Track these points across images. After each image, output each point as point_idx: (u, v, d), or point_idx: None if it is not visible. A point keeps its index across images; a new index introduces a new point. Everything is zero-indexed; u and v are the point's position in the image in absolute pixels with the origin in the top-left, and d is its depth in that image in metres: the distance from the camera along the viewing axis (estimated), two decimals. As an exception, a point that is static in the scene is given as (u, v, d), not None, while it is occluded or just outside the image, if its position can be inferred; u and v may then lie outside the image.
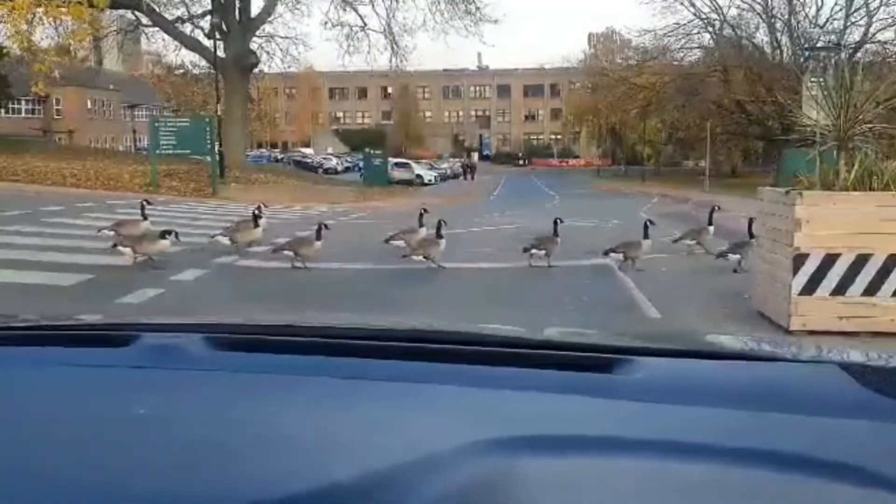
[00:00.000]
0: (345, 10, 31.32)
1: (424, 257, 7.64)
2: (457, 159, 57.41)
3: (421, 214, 8.81)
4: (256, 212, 8.73)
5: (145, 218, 8.82)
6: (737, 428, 0.69)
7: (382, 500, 0.59)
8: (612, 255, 7.78)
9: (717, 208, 9.52)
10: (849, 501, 0.60)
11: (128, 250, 7.44)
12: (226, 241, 8.33)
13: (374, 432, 0.70)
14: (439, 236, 7.79)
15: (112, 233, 8.23)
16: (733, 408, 0.72)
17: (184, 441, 0.69)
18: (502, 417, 0.71)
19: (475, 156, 64.43)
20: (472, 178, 46.71)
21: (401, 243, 8.25)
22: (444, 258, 7.79)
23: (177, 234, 7.61)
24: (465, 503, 0.59)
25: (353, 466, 0.62)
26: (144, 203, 9.37)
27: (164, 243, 7.43)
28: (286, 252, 7.73)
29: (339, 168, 47.78)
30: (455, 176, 47.86)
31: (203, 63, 32.87)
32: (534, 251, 7.96)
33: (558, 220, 8.22)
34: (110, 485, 0.62)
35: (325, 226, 7.95)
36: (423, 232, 8.47)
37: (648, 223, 8.14)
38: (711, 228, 9.03)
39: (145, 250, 7.45)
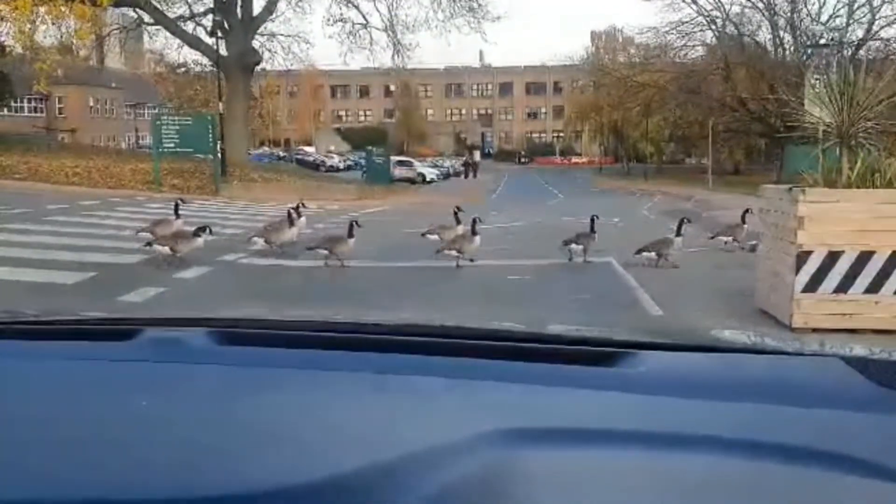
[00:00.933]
0: (347, 6, 31.33)
1: (458, 252, 7.76)
2: (459, 157, 57.16)
3: (455, 212, 8.93)
4: (293, 210, 8.73)
5: (178, 217, 8.86)
6: (740, 421, 0.69)
7: (386, 493, 0.59)
8: (645, 254, 7.83)
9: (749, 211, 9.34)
10: (852, 494, 0.60)
11: (164, 248, 7.54)
12: (261, 241, 8.34)
13: (378, 426, 0.70)
14: (474, 233, 7.91)
15: (149, 234, 8.20)
16: (736, 401, 0.72)
17: (187, 435, 0.70)
18: (505, 410, 0.71)
19: (477, 154, 64.34)
20: (475, 176, 46.45)
21: (435, 237, 8.39)
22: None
23: (210, 231, 7.71)
24: (468, 495, 0.59)
25: (357, 459, 0.62)
26: (179, 202, 9.40)
27: (199, 241, 7.55)
28: (320, 250, 7.81)
29: (341, 166, 47.75)
30: (457, 174, 47.75)
31: (205, 61, 32.83)
32: (572, 246, 8.19)
33: (595, 217, 8.46)
34: (114, 477, 0.62)
35: (357, 223, 8.03)
36: (459, 229, 8.58)
37: (685, 221, 8.26)
38: (746, 227, 9.00)
39: (180, 248, 7.53)
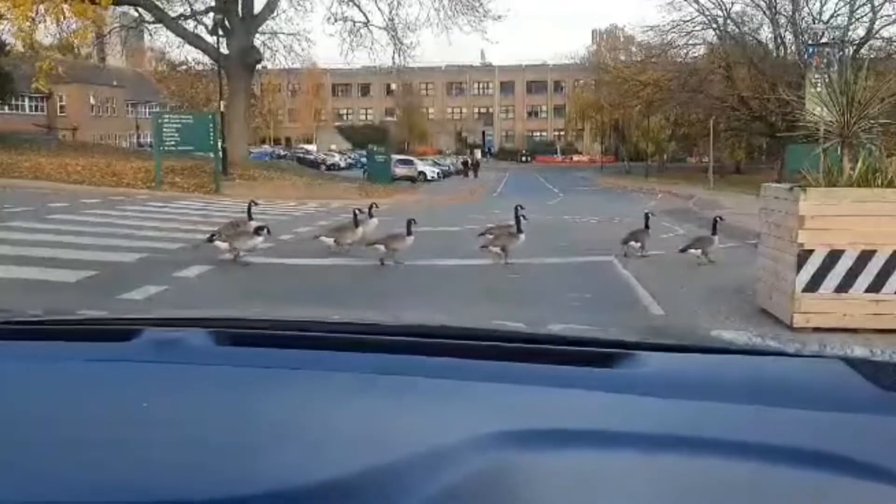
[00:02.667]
0: (348, 5, 31.31)
1: (502, 249, 7.94)
2: (459, 156, 56.93)
3: (516, 209, 8.90)
4: (358, 211, 8.87)
5: (251, 218, 8.96)
6: (740, 422, 0.69)
7: (386, 494, 0.59)
8: (691, 251, 8.13)
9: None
10: (853, 496, 0.60)
11: (224, 245, 7.67)
12: (330, 241, 8.47)
13: (379, 426, 0.70)
14: (519, 230, 8.11)
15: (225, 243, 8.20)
16: (736, 402, 0.72)
17: (187, 435, 0.70)
18: (505, 412, 0.71)
19: (478, 152, 64.28)
20: (476, 175, 45.81)
21: (490, 236, 8.58)
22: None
23: (268, 230, 7.82)
24: (469, 497, 0.59)
25: (357, 460, 0.62)
26: (252, 203, 9.51)
27: (258, 239, 7.66)
28: (378, 246, 7.92)
29: (342, 165, 47.75)
30: (458, 173, 47.54)
31: (206, 60, 32.85)
32: (630, 243, 8.61)
33: (649, 214, 8.98)
34: (114, 478, 0.62)
35: (415, 221, 8.17)
36: (513, 227, 8.73)
37: (718, 220, 8.45)
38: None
39: (240, 246, 7.64)
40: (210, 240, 7.84)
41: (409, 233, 7.92)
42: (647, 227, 8.72)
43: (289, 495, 0.58)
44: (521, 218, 8.30)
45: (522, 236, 8.05)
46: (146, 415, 0.73)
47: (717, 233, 8.22)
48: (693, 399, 0.72)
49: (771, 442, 0.64)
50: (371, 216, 9.08)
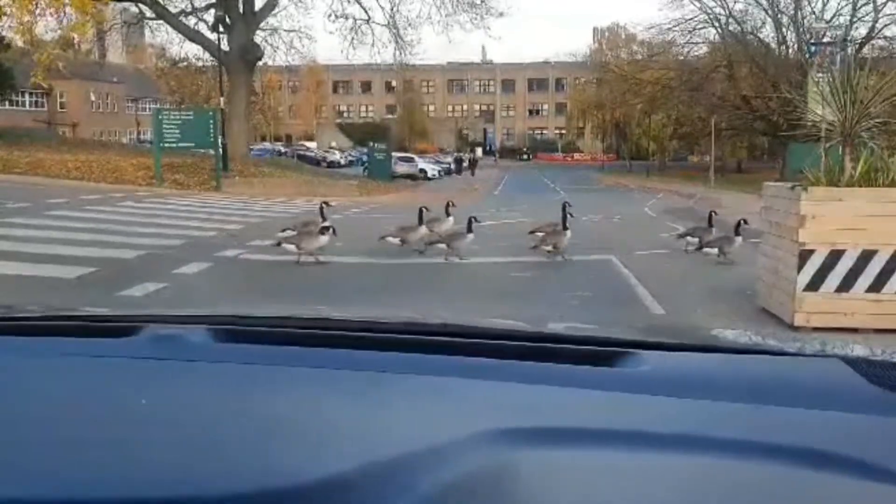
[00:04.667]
0: (349, 2, 31.30)
1: (554, 247, 8.14)
2: (460, 153, 56.71)
3: (564, 207, 9.10)
4: (424, 209, 8.99)
5: (324, 218, 9.01)
6: (740, 421, 0.69)
7: (385, 492, 0.59)
8: (707, 249, 8.24)
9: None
10: (853, 495, 0.60)
11: (291, 247, 7.73)
12: (396, 241, 8.57)
13: (378, 424, 0.70)
14: (565, 227, 8.27)
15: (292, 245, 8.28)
16: (736, 401, 0.71)
17: (186, 432, 0.69)
18: (504, 409, 0.71)
19: (479, 150, 64.18)
20: (472, 173, 44.52)
21: (541, 234, 8.71)
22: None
23: (334, 230, 7.89)
24: (470, 494, 0.59)
25: (357, 458, 0.62)
26: (324, 204, 9.55)
27: (322, 239, 7.73)
28: (439, 245, 8.05)
29: (343, 162, 47.76)
30: (459, 172, 47.26)
31: (207, 56, 32.82)
32: (688, 238, 8.77)
33: (713, 213, 9.15)
34: (113, 475, 0.62)
35: (476, 218, 8.31)
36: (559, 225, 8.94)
37: (742, 222, 8.52)
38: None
39: (307, 246, 7.70)
40: (279, 244, 7.90)
41: (469, 230, 8.08)
42: (710, 224, 8.79)
43: (289, 491, 0.58)
44: (569, 216, 8.48)
45: (569, 233, 8.23)
46: (145, 411, 0.73)
47: (740, 234, 8.29)
48: (693, 398, 0.72)
49: (771, 441, 0.64)
50: (448, 214, 9.31)
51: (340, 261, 8.07)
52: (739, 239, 8.22)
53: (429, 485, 0.59)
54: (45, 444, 0.66)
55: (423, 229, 8.69)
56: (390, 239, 8.61)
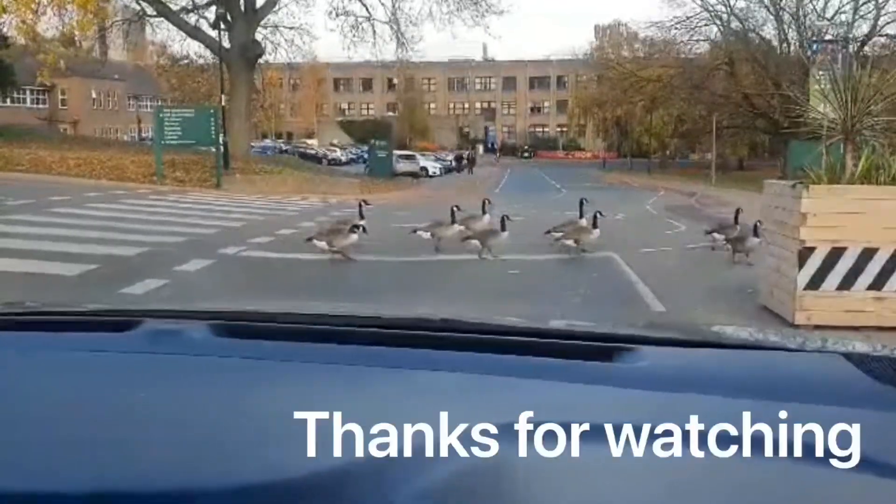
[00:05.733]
0: (350, -1, 31.22)
1: (575, 242, 8.32)
2: (461, 151, 56.57)
3: (581, 203, 9.53)
4: (455, 208, 9.01)
5: (363, 217, 9.04)
6: (740, 417, 0.69)
7: (387, 488, 0.59)
8: (734, 248, 8.35)
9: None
10: (853, 491, 0.60)
11: (322, 244, 7.78)
12: (427, 235, 8.63)
13: (377, 420, 0.70)
14: (594, 226, 8.46)
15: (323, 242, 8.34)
16: (737, 397, 0.71)
17: (187, 427, 0.69)
18: (504, 405, 0.71)
19: (480, 148, 64.07)
20: (470, 171, 44.10)
21: (561, 233, 8.85)
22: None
23: (364, 229, 7.92)
24: (469, 488, 0.59)
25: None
26: (363, 203, 9.57)
27: (353, 237, 7.77)
28: (473, 242, 8.09)
29: (344, 159, 47.73)
30: (459, 170, 47.16)
31: (208, 54, 32.78)
32: (715, 235, 8.87)
33: (740, 210, 9.15)
34: (113, 469, 0.62)
35: (508, 217, 8.40)
36: (582, 222, 9.17)
37: (758, 224, 8.48)
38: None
39: (338, 244, 7.74)
40: (309, 239, 7.95)
41: (503, 228, 8.14)
42: (736, 222, 8.88)
43: (289, 487, 0.58)
44: (599, 214, 8.65)
45: (597, 231, 8.43)
46: (145, 405, 0.73)
47: (758, 235, 8.28)
48: (692, 393, 0.72)
49: (771, 437, 0.64)
50: (485, 212, 9.43)
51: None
52: (756, 240, 8.20)
53: (428, 481, 0.59)
54: (45, 439, 0.66)
55: (456, 226, 8.72)
56: (422, 233, 8.66)
